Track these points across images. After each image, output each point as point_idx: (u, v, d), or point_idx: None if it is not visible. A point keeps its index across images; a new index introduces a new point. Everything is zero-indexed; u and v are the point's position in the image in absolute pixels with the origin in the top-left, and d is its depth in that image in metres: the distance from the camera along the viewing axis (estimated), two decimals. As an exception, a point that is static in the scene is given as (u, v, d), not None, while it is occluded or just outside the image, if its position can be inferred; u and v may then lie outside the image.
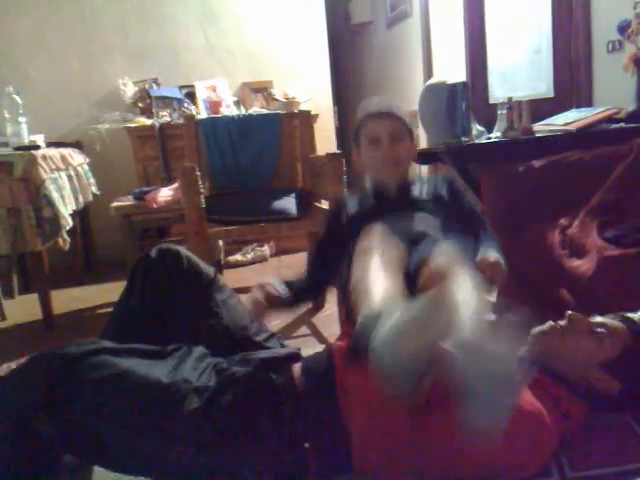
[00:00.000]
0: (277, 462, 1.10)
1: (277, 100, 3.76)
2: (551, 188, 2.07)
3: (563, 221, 1.90)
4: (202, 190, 2.23)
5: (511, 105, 2.44)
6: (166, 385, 1.09)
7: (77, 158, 3.14)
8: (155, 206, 2.61)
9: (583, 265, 1.63)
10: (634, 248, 1.53)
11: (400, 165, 1.59)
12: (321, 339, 2.23)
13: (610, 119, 2.37)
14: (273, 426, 1.10)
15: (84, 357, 1.07)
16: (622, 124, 2.37)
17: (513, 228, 2.05)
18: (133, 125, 3.71)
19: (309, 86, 4.16)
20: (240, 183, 2.67)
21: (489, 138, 2.45)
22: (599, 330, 1.13)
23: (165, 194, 2.68)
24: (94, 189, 3.29)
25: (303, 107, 3.57)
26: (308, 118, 2.80)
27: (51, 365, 1.06)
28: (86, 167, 3.29)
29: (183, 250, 1.38)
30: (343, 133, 5.30)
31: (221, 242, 3.29)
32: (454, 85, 2.37)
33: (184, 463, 1.07)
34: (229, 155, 2.69)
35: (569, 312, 1.17)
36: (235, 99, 4.02)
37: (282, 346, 1.45)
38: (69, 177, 2.83)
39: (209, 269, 1.42)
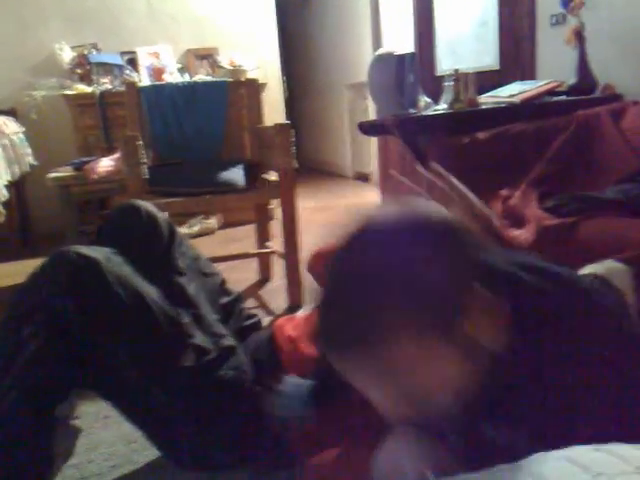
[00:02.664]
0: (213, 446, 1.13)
1: (223, 68, 3.66)
2: (495, 160, 2.10)
3: (505, 192, 1.94)
4: (144, 160, 2.16)
5: (457, 77, 2.45)
6: (177, 323, 1.13)
7: (11, 126, 2.99)
8: (95, 177, 2.51)
9: (523, 234, 1.66)
10: (572, 217, 1.57)
11: None
12: (269, 311, 2.23)
13: (552, 92, 2.42)
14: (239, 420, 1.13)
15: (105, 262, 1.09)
16: (564, 97, 2.43)
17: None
18: (71, 92, 3.55)
19: (257, 55, 4.07)
20: (185, 153, 2.59)
21: (436, 110, 2.46)
22: None
23: (106, 164, 2.58)
24: (30, 159, 3.14)
25: (250, 76, 3.49)
26: (255, 87, 2.73)
27: (73, 260, 1.06)
28: (22, 136, 3.13)
29: (144, 204, 1.36)
30: (292, 104, 5.22)
31: (166, 214, 3.21)
32: (403, 56, 2.36)
33: (157, 404, 1.10)
34: (173, 124, 2.60)
35: None
36: (179, 66, 3.89)
37: (242, 312, 1.44)
38: (3, 146, 2.70)
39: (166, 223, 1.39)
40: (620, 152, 1.94)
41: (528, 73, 2.87)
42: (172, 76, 3.68)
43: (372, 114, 4.22)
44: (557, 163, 2.00)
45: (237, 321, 1.37)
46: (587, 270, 1.25)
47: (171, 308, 1.16)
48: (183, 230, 3.50)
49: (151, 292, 1.15)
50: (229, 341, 1.22)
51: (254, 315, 1.47)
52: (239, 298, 1.46)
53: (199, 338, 1.16)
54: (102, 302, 1.07)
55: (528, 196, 1.82)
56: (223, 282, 1.45)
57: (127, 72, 3.63)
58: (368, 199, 4.71)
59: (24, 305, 1.08)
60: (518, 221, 1.73)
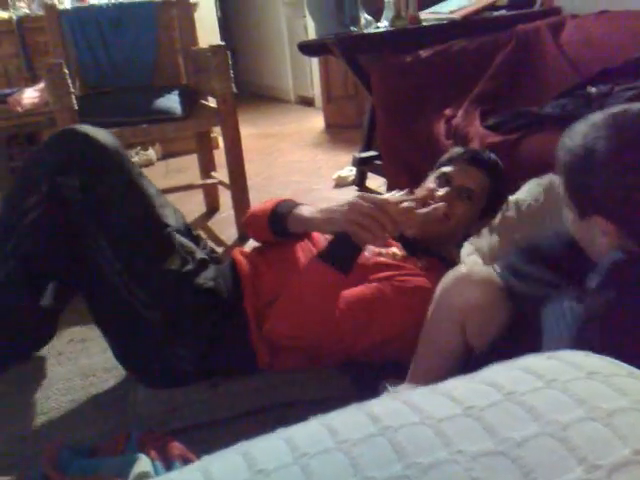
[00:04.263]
0: (184, 354, 1.18)
1: (151, -14, 3.41)
2: (438, 78, 2.08)
3: (448, 111, 1.94)
4: (72, 90, 2.02)
5: (396, -8, 2.38)
6: (168, 230, 1.21)
7: None
8: (20, 109, 2.35)
9: (467, 153, 1.69)
10: (513, 134, 1.59)
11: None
12: (219, 242, 2.21)
13: (492, 6, 2.39)
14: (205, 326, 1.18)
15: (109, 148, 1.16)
16: (503, 11, 2.41)
17: (402, 119, 2.07)
18: (-15, 18, 3.26)
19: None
20: (115, 80, 2.45)
21: (377, 27, 2.40)
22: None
23: (31, 95, 2.41)
24: (-55, 92, 2.89)
25: (180, -5, 3.27)
26: (187, 6, 2.56)
27: (81, 141, 1.14)
28: None
29: (83, 128, 1.25)
30: (226, 23, 4.95)
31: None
32: (340, -30, 2.26)
33: (135, 304, 1.15)
34: (100, 49, 2.44)
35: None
36: (102, -15, 3.60)
37: (206, 246, 1.45)
38: None
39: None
40: (559, 67, 1.96)
41: (468, -13, 2.81)
42: (95, -4, 3.41)
43: (312, 33, 4.07)
44: (498, 80, 2.00)
45: (202, 253, 1.37)
46: (530, 184, 1.29)
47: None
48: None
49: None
50: (201, 255, 1.28)
51: (215, 252, 1.49)
52: (200, 236, 1.47)
53: (183, 245, 1.23)
54: (105, 186, 1.13)
55: (471, 114, 1.82)
56: (183, 218, 1.43)
57: (44, -7, 3.34)
58: (312, 125, 4.62)
59: (31, 177, 1.16)
60: (462, 140, 1.74)
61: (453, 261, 1.29)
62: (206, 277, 1.22)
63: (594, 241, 0.86)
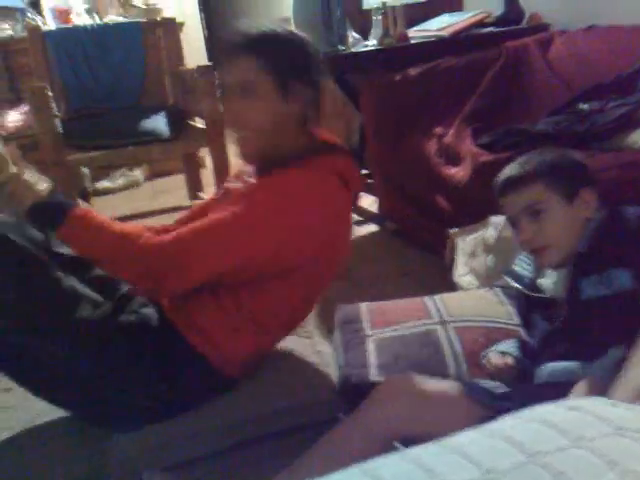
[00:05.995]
0: (141, 394, 1.11)
1: (135, 7, 3.40)
2: (427, 96, 2.07)
3: (439, 130, 1.92)
4: (57, 113, 1.99)
5: (385, 10, 2.37)
6: (67, 284, 1.10)
7: None
8: (4, 133, 2.31)
9: (459, 172, 1.66)
10: (506, 152, 1.57)
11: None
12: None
13: (481, 23, 2.39)
14: (150, 363, 1.11)
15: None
16: (492, 28, 2.40)
17: (392, 138, 2.05)
18: (-32, 40, 3.21)
19: (171, -9, 3.80)
20: (101, 102, 2.42)
21: (366, 46, 2.39)
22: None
23: (14, 119, 2.37)
24: None
25: (166, 15, 3.25)
26: (173, 27, 2.55)
27: None
28: None
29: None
30: (213, 43, 4.92)
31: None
32: (327, -12, 2.25)
33: (62, 365, 1.08)
34: (85, 71, 2.41)
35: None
36: (86, 7, 3.58)
37: None
38: None
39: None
40: (549, 83, 1.95)
41: (455, 5, 2.82)
42: (80, 18, 3.39)
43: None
44: (489, 97, 1.99)
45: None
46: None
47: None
48: (105, 184, 3.30)
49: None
50: (123, 290, 1.21)
51: None
52: None
53: (90, 292, 1.14)
54: None
55: (462, 133, 1.81)
56: None
57: (29, 16, 3.31)
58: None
59: None
60: (453, 159, 1.72)
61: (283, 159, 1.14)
62: (129, 311, 1.16)
63: (575, 221, 1.06)
